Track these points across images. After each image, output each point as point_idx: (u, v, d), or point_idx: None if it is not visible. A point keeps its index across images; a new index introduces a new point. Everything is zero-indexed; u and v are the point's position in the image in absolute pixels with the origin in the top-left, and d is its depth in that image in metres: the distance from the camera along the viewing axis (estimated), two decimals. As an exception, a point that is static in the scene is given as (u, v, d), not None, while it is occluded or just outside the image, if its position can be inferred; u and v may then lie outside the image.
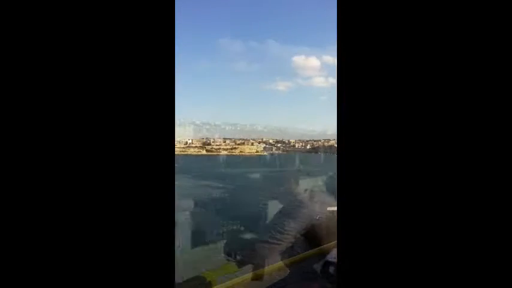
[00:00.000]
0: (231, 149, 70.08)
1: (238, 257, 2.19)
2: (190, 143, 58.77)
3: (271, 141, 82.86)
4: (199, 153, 52.69)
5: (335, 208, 3.87)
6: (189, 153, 53.54)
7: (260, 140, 79.46)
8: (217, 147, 64.73)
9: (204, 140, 65.88)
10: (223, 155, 63.09)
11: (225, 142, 69.48)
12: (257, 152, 72.01)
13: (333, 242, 2.31)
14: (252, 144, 76.32)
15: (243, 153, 71.00)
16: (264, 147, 75.84)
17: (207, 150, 59.45)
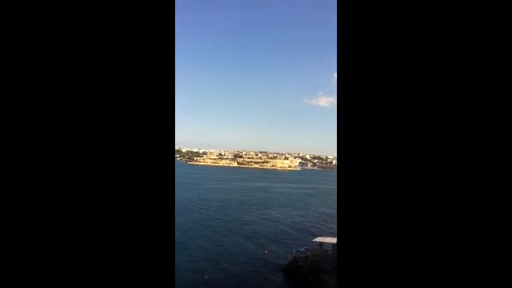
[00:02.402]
0: (263, 162, 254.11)
1: None
2: (223, 155, 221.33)
3: (307, 156, 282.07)
4: (230, 165, 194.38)
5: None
6: (220, 164, 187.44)
7: (296, 155, 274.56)
8: (249, 160, 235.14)
9: (236, 152, 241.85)
10: (253, 168, 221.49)
11: (257, 155, 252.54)
12: (290, 167, 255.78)
13: None
14: (286, 158, 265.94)
15: (274, 168, 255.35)
16: (300, 163, 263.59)
17: (238, 163, 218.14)
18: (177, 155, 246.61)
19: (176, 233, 36.30)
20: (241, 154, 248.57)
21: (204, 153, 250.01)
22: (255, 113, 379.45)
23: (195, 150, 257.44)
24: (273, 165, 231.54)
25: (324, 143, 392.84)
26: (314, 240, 25.74)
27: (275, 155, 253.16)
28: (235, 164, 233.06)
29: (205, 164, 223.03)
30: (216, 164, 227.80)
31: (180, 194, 67.01)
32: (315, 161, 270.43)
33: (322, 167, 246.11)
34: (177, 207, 53.20)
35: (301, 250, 27.18)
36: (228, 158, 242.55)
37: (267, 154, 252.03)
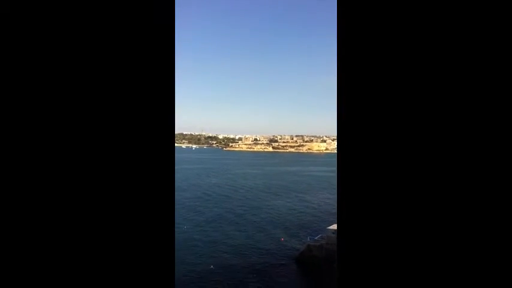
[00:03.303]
0: (298, 146, 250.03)
1: None
2: (258, 140, 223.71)
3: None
4: (265, 149, 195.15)
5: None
6: (255, 149, 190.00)
7: (334, 137, 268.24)
8: (284, 144, 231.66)
9: (272, 137, 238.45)
10: (288, 152, 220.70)
11: (292, 139, 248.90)
12: (327, 149, 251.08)
13: None
14: (324, 141, 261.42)
15: (310, 151, 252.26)
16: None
17: (273, 147, 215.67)
18: (214, 142, 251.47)
19: (196, 219, 37.16)
20: (276, 138, 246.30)
21: (240, 139, 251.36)
22: (289, 97, 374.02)
23: (231, 136, 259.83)
24: (308, 149, 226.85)
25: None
26: (329, 227, 24.40)
27: (311, 138, 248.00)
28: (270, 149, 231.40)
29: (241, 149, 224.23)
30: (251, 150, 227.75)
31: (211, 179, 67.98)
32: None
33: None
34: (205, 192, 54.46)
35: (316, 238, 25.78)
36: (263, 143, 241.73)
37: (302, 138, 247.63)
